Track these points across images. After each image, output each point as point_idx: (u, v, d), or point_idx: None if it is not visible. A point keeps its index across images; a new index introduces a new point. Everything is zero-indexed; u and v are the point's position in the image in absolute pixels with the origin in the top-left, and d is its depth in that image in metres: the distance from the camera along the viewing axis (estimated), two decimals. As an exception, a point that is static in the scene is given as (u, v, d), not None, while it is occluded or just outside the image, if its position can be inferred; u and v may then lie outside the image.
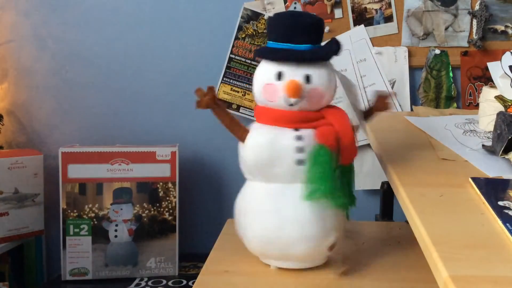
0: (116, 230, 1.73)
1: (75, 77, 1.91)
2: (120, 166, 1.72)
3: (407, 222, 0.95)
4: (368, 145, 1.79)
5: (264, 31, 1.83)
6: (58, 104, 1.93)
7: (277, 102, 0.94)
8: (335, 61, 1.00)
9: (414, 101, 1.86)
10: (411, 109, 1.80)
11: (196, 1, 1.86)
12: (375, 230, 1.03)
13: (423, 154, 1.07)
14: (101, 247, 1.73)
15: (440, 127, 1.25)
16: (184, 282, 1.71)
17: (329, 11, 1.83)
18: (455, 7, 1.83)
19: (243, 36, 1.85)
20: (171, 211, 1.75)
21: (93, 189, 1.72)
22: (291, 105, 0.94)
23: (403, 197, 0.85)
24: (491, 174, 0.92)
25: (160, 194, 1.74)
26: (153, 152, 1.72)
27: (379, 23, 1.83)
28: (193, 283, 1.42)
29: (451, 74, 1.85)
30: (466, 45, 1.84)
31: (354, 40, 1.83)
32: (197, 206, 1.95)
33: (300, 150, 0.93)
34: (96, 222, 1.72)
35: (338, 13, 1.83)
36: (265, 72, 0.96)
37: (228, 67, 1.86)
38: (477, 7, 1.81)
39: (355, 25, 1.84)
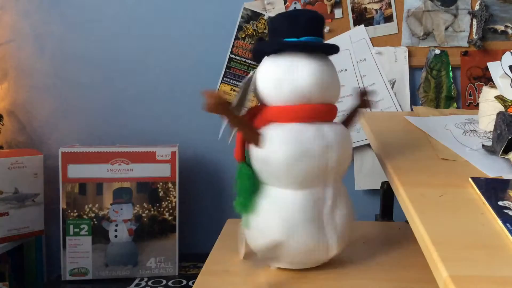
0: (116, 230, 1.73)
1: (75, 77, 1.91)
2: (120, 166, 1.72)
3: (407, 222, 0.95)
4: (368, 145, 1.79)
5: (264, 31, 1.83)
6: (58, 104, 1.93)
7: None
8: (335, 61, 1.00)
9: (414, 101, 1.86)
10: (411, 109, 1.80)
11: (196, 1, 1.86)
12: (375, 230, 1.03)
13: (423, 154, 1.07)
14: (101, 247, 1.73)
15: (440, 127, 1.25)
16: (184, 282, 1.71)
17: (329, 11, 1.83)
18: (455, 7, 1.83)
19: (243, 36, 1.85)
20: (171, 211, 1.75)
21: (93, 189, 1.72)
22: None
23: (403, 197, 0.85)
24: (491, 174, 0.93)
25: (160, 194, 1.74)
26: (153, 152, 1.72)
27: (379, 23, 1.84)
28: (193, 283, 1.42)
29: (451, 74, 1.85)
30: (466, 45, 1.84)
31: (354, 40, 1.83)
32: (197, 206, 1.95)
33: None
34: (96, 222, 1.72)
35: (338, 13, 1.83)
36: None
37: (228, 67, 1.86)
38: (477, 7, 1.81)
39: (355, 25, 1.84)
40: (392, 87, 1.84)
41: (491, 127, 1.11)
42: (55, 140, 1.91)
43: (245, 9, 1.84)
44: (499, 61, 1.19)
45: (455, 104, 1.86)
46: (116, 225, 1.73)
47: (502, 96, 1.15)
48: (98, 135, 1.91)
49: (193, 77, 1.89)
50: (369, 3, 1.83)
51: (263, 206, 0.98)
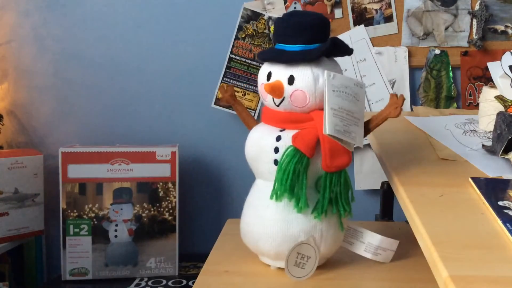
0: (116, 230, 1.73)
1: (75, 77, 1.91)
2: (120, 166, 1.72)
3: (407, 222, 0.95)
4: (368, 145, 1.79)
5: (264, 31, 1.83)
6: (58, 104, 1.93)
7: (268, 102, 0.98)
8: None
9: (414, 101, 1.86)
10: (411, 109, 1.80)
11: (196, 1, 1.86)
12: (375, 230, 1.03)
13: (423, 154, 1.07)
14: (101, 247, 1.73)
15: (440, 127, 1.25)
16: (184, 282, 1.71)
17: (329, 11, 1.83)
18: (455, 7, 1.83)
19: (243, 36, 1.85)
20: (171, 211, 1.75)
21: (93, 189, 1.72)
22: (278, 105, 0.96)
23: (403, 197, 0.85)
24: (491, 174, 0.93)
25: (160, 194, 1.74)
26: (153, 152, 1.72)
27: (379, 23, 1.84)
28: (193, 283, 1.42)
29: (451, 74, 1.85)
30: (466, 45, 1.84)
31: (354, 40, 1.83)
32: (197, 206, 1.95)
33: (277, 150, 0.94)
34: (96, 222, 1.72)
35: (338, 13, 1.83)
36: (261, 73, 0.99)
37: (228, 67, 1.86)
38: (477, 7, 1.81)
39: (355, 25, 1.84)
40: (392, 87, 1.84)
41: (491, 127, 1.11)
42: (55, 140, 1.91)
43: (245, 9, 1.84)
44: (499, 61, 1.19)
45: (455, 104, 1.86)
46: (116, 225, 1.73)
47: (502, 96, 1.15)
48: (98, 135, 1.91)
49: (193, 77, 1.89)
50: (369, 3, 1.83)
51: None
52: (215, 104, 1.86)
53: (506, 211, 0.76)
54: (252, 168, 1.01)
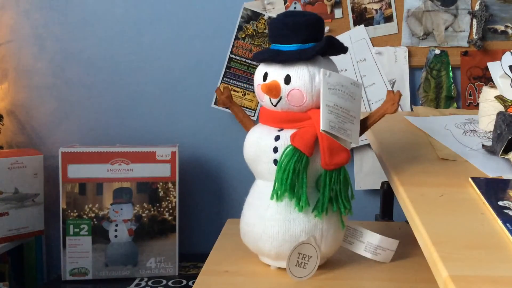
0: (116, 230, 1.73)
1: (75, 77, 1.91)
2: (120, 166, 1.72)
3: (407, 222, 0.95)
4: (368, 145, 1.79)
5: (264, 31, 1.83)
6: (58, 104, 1.93)
7: (265, 102, 0.98)
8: (334, 61, 1.00)
9: (414, 101, 1.86)
10: (411, 109, 1.80)
11: (196, 1, 1.86)
12: (375, 230, 1.03)
13: (423, 154, 1.07)
14: (101, 247, 1.73)
15: (440, 127, 1.25)
16: (184, 282, 1.71)
17: (329, 11, 1.83)
18: (455, 7, 1.83)
19: (243, 36, 1.85)
20: (171, 211, 1.75)
21: (93, 189, 1.72)
22: (275, 105, 0.96)
23: (403, 197, 0.85)
24: (491, 174, 0.93)
25: (160, 194, 1.74)
26: (153, 152, 1.72)
27: (379, 23, 1.84)
28: (193, 283, 1.42)
29: (451, 74, 1.85)
30: (466, 45, 1.84)
31: (354, 40, 1.83)
32: (197, 206, 1.95)
33: (276, 150, 0.94)
34: (96, 222, 1.72)
35: (338, 13, 1.83)
36: (257, 74, 0.99)
37: (228, 67, 1.86)
38: (477, 7, 1.81)
39: (355, 25, 1.84)
40: (392, 87, 1.84)
41: (491, 127, 1.11)
42: (55, 140, 1.91)
43: (245, 9, 1.84)
44: (499, 61, 1.19)
45: (455, 104, 1.86)
46: (116, 225, 1.73)
47: (502, 96, 1.15)
48: (98, 135, 1.91)
49: (193, 77, 1.89)
50: (369, 3, 1.83)
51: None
52: (215, 104, 1.86)
53: (506, 211, 0.76)
54: (252, 169, 1.01)
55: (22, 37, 1.91)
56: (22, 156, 1.77)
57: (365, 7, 1.83)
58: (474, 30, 1.83)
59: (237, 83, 1.86)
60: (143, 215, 1.74)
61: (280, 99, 0.95)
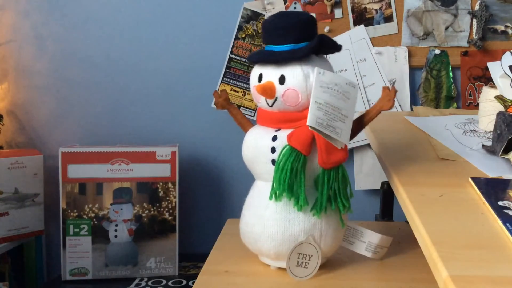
0: (116, 230, 1.73)
1: (75, 77, 1.91)
2: (120, 166, 1.72)
3: (407, 222, 0.95)
4: (368, 145, 1.79)
5: (264, 31, 1.83)
6: (58, 104, 1.93)
7: (261, 103, 0.98)
8: (334, 61, 1.00)
9: (414, 101, 1.86)
10: (411, 109, 1.80)
11: (196, 1, 1.86)
12: (375, 230, 1.03)
13: (423, 154, 1.07)
14: (101, 247, 1.73)
15: (440, 127, 1.25)
16: (184, 282, 1.71)
17: (329, 11, 1.83)
18: (455, 7, 1.83)
19: (243, 36, 1.85)
20: (171, 211, 1.75)
21: (93, 189, 1.72)
22: (271, 106, 0.96)
23: (403, 197, 0.85)
24: (491, 174, 0.93)
25: (160, 194, 1.74)
26: (153, 152, 1.72)
27: (379, 23, 1.84)
28: (193, 283, 1.42)
29: (451, 74, 1.85)
30: (466, 45, 1.84)
31: (354, 40, 1.83)
32: (197, 206, 1.95)
33: (273, 150, 0.94)
34: (96, 222, 1.72)
35: (338, 13, 1.83)
36: (252, 76, 1.00)
37: (228, 67, 1.86)
38: (477, 7, 1.81)
39: (355, 25, 1.84)
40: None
41: (491, 127, 1.11)
42: (55, 140, 1.91)
43: (245, 9, 1.84)
44: (499, 61, 1.19)
45: (455, 104, 1.86)
46: (116, 225, 1.73)
47: (502, 96, 1.15)
48: (98, 135, 1.91)
49: (193, 77, 1.89)
50: (369, 3, 1.83)
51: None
52: (214, 104, 1.86)
53: (506, 211, 0.76)
54: (251, 169, 1.01)
55: (22, 37, 1.91)
56: (22, 156, 1.77)
57: (365, 7, 1.83)
58: (474, 30, 1.83)
59: (237, 83, 1.86)
60: (143, 215, 1.74)
61: (275, 100, 0.95)
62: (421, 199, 0.83)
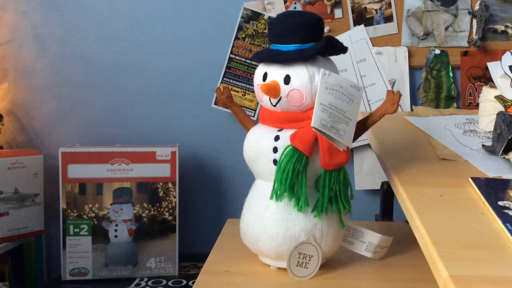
0: (116, 230, 1.73)
1: (75, 77, 1.91)
2: (120, 166, 1.72)
3: (407, 222, 0.95)
4: (368, 145, 1.79)
5: (264, 31, 1.83)
6: (58, 104, 1.93)
7: (265, 102, 0.98)
8: (334, 61, 1.00)
9: (414, 101, 1.86)
10: (411, 109, 1.80)
11: (196, 1, 1.86)
12: (375, 230, 1.03)
13: (423, 154, 1.07)
14: (101, 247, 1.73)
15: (440, 127, 1.25)
16: (184, 282, 1.71)
17: (329, 11, 1.83)
18: (455, 7, 1.83)
19: (243, 36, 1.85)
20: (171, 211, 1.75)
21: (93, 189, 1.72)
22: (274, 105, 0.96)
23: (403, 197, 0.85)
24: (491, 174, 0.93)
25: (160, 194, 1.74)
26: (153, 152, 1.72)
27: (379, 23, 1.84)
28: (193, 283, 1.42)
29: (451, 74, 1.85)
30: (466, 45, 1.84)
31: (354, 40, 1.83)
32: (197, 206, 1.95)
33: (275, 150, 0.94)
34: (96, 222, 1.72)
35: (338, 13, 1.83)
36: (257, 74, 0.99)
37: (228, 67, 1.86)
38: (477, 7, 1.81)
39: (355, 25, 1.84)
40: (392, 87, 1.84)
41: (491, 127, 1.11)
42: (55, 140, 1.91)
43: (245, 9, 1.84)
44: (499, 61, 1.19)
45: (455, 104, 1.86)
46: (116, 225, 1.73)
47: (502, 96, 1.15)
48: (98, 135, 1.91)
49: (193, 77, 1.89)
50: (369, 3, 1.83)
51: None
52: (215, 104, 1.86)
53: (506, 211, 0.76)
54: (252, 169, 1.01)
55: (22, 37, 1.91)
56: (22, 156, 1.77)
57: (365, 7, 1.83)
58: (474, 30, 1.83)
59: (237, 83, 1.86)
60: (143, 215, 1.74)
61: (279, 99, 0.95)
62: (421, 199, 0.83)
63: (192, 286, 1.12)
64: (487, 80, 1.82)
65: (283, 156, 0.92)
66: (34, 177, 1.79)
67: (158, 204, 1.74)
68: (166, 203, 1.74)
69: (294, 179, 0.91)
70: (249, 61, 1.85)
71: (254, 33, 1.84)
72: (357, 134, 0.96)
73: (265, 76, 0.96)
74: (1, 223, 1.72)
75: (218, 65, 1.86)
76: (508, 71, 1.16)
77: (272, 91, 0.94)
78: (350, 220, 1.03)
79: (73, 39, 1.90)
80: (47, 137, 1.94)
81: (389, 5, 1.83)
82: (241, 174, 1.86)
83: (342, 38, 1.81)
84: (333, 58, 1.00)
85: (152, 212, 1.74)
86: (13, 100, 1.93)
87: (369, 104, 1.83)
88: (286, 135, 0.94)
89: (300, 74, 0.93)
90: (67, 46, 1.90)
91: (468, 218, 0.76)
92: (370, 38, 1.83)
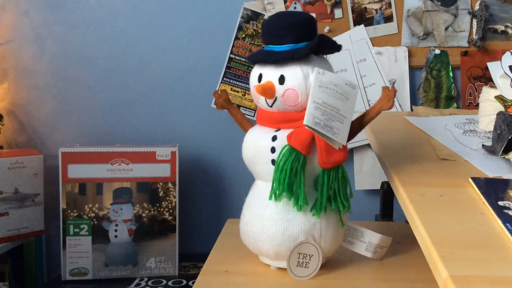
0: (116, 230, 1.73)
1: (75, 77, 1.91)
2: (120, 166, 1.72)
3: (407, 222, 0.95)
4: (368, 145, 1.79)
5: (264, 31, 1.83)
6: (58, 104, 1.93)
7: (261, 103, 0.98)
8: (334, 61, 1.00)
9: (414, 101, 1.86)
10: (411, 109, 1.80)
11: (196, 1, 1.86)
12: (375, 230, 1.03)
13: (423, 154, 1.07)
14: (101, 247, 1.73)
15: (440, 127, 1.25)
16: (184, 282, 1.71)
17: (329, 11, 1.83)
18: (455, 7, 1.83)
19: (243, 36, 1.85)
20: (171, 211, 1.75)
21: (93, 189, 1.72)
22: (271, 106, 0.96)
23: (403, 197, 0.85)
24: (491, 174, 0.93)
25: (160, 194, 1.74)
26: (153, 152, 1.72)
27: (379, 23, 1.84)
28: (193, 283, 1.42)
29: (451, 74, 1.85)
30: (466, 45, 1.84)
31: (354, 40, 1.83)
32: (197, 206, 1.95)
33: (273, 150, 0.95)
34: (96, 222, 1.72)
35: (338, 13, 1.83)
36: (252, 76, 1.00)
37: (228, 67, 1.86)
38: (477, 7, 1.81)
39: (355, 25, 1.84)
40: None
41: (491, 127, 1.11)
42: (55, 140, 1.91)
43: (245, 9, 1.84)
44: (499, 61, 1.19)
45: (455, 104, 1.86)
46: (116, 225, 1.73)
47: (502, 96, 1.15)
48: (98, 135, 1.91)
49: (193, 77, 1.89)
50: (369, 3, 1.83)
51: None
52: (214, 104, 1.86)
53: (506, 211, 0.76)
54: (251, 170, 1.01)
55: (22, 37, 1.91)
56: (22, 156, 1.77)
57: (365, 7, 1.83)
58: (474, 30, 1.83)
59: (237, 83, 1.86)
60: (143, 215, 1.74)
61: (275, 100, 0.95)
62: (421, 199, 0.83)
63: (192, 286, 1.12)
64: (487, 80, 1.82)
65: (280, 156, 0.92)
66: (34, 177, 1.79)
67: (158, 204, 1.74)
68: (166, 203, 1.74)
69: (292, 178, 0.91)
70: (249, 61, 1.85)
71: (254, 33, 1.84)
72: (354, 132, 0.96)
73: (260, 77, 0.97)
74: (1, 223, 1.72)
75: (218, 65, 1.86)
76: (508, 71, 1.16)
77: (268, 91, 0.94)
78: (350, 220, 1.03)
79: (73, 39, 1.90)
80: (47, 137, 1.94)
81: (389, 5, 1.83)
82: (241, 174, 1.86)
83: (342, 38, 1.82)
84: (333, 58, 1.00)
85: (152, 212, 1.74)
86: (13, 100, 1.93)
87: (369, 104, 1.83)
88: (283, 135, 0.94)
89: (294, 73, 0.94)
90: (67, 46, 1.90)
91: (468, 218, 0.76)
92: (370, 38, 1.83)
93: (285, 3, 1.82)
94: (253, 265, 1.03)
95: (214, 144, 1.91)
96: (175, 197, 1.74)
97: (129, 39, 1.89)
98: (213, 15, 1.86)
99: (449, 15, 1.83)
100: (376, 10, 1.83)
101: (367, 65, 1.83)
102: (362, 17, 1.83)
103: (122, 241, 1.73)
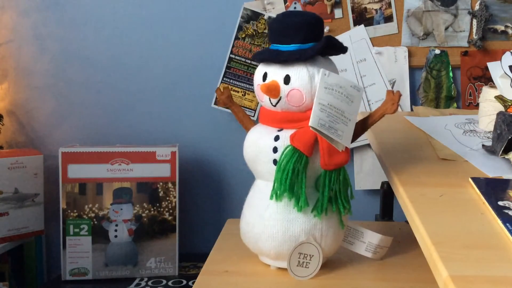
0: (116, 230, 1.73)
1: (75, 77, 1.91)
2: (120, 166, 1.72)
3: (407, 222, 0.95)
4: (368, 145, 1.79)
5: (264, 31, 1.83)
6: (58, 104, 1.93)
7: (264, 102, 0.98)
8: (334, 61, 1.00)
9: (414, 101, 1.86)
10: (411, 109, 1.80)
11: (196, 1, 1.86)
12: (375, 230, 1.03)
13: (423, 154, 1.07)
14: (101, 247, 1.73)
15: (440, 127, 1.25)
16: (184, 282, 1.71)
17: (329, 11, 1.83)
18: (455, 7, 1.83)
19: (243, 36, 1.85)
20: (171, 211, 1.75)
21: (93, 189, 1.72)
22: (274, 105, 0.96)
23: (403, 197, 0.85)
24: (491, 174, 0.93)
25: (160, 194, 1.74)
26: (153, 152, 1.72)
27: (379, 23, 1.84)
28: (193, 283, 1.42)
29: (451, 74, 1.85)
30: (466, 45, 1.84)
31: (354, 40, 1.83)
32: (197, 206, 1.95)
33: (275, 150, 0.94)
34: (96, 222, 1.72)
35: (338, 13, 1.83)
36: (256, 74, 0.99)
37: (228, 67, 1.86)
38: (477, 7, 1.81)
39: (355, 25, 1.84)
40: (392, 87, 1.84)
41: (491, 127, 1.11)
42: (55, 140, 1.91)
43: (245, 9, 1.84)
44: (499, 61, 1.19)
45: (455, 104, 1.86)
46: (116, 225, 1.73)
47: (502, 96, 1.15)
48: (98, 135, 1.91)
49: (193, 77, 1.89)
50: (369, 3, 1.83)
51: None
52: (215, 104, 1.86)
53: (506, 211, 0.76)
54: (251, 169, 1.01)
55: (22, 37, 1.91)
56: (22, 156, 1.77)
57: (365, 7, 1.83)
58: (474, 30, 1.83)
59: (237, 83, 1.86)
60: (143, 215, 1.74)
61: (279, 99, 0.95)
62: (421, 199, 0.83)
63: (192, 286, 1.12)
64: (487, 80, 1.82)
65: (283, 156, 0.92)
66: (34, 177, 1.79)
67: (158, 204, 1.74)
68: (166, 203, 1.74)
69: (294, 179, 0.91)
70: (249, 61, 1.85)
71: (254, 33, 1.84)
72: (356, 134, 0.96)
73: (265, 76, 0.97)
74: (1, 223, 1.72)
75: (218, 65, 1.86)
76: (508, 71, 1.16)
77: (272, 91, 0.94)
78: (350, 220, 1.03)
79: (73, 39, 1.90)
80: (47, 137, 1.94)
81: (389, 5, 1.83)
82: (241, 174, 1.86)
83: (342, 38, 1.82)
84: (333, 58, 1.00)
85: (152, 212, 1.74)
86: (13, 100, 1.93)
87: (369, 104, 1.83)
88: (286, 135, 0.94)
89: (300, 74, 0.93)
90: (67, 46, 1.90)
91: (468, 218, 0.76)
92: (370, 38, 1.83)
93: (285, 3, 1.82)
94: (253, 265, 1.03)
95: (214, 144, 1.91)
96: (175, 197, 1.74)
97: (129, 39, 1.89)
98: (213, 15, 1.86)
99: (449, 15, 1.83)
100: (376, 10, 1.83)
101: (367, 65, 1.83)
102: (362, 17, 1.83)
103: (122, 241, 1.73)
